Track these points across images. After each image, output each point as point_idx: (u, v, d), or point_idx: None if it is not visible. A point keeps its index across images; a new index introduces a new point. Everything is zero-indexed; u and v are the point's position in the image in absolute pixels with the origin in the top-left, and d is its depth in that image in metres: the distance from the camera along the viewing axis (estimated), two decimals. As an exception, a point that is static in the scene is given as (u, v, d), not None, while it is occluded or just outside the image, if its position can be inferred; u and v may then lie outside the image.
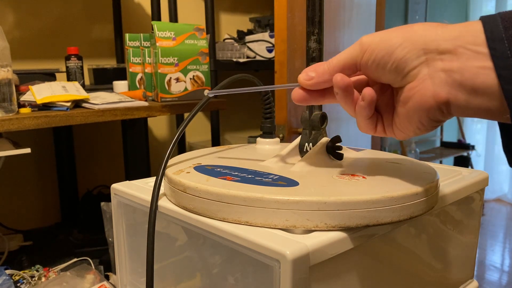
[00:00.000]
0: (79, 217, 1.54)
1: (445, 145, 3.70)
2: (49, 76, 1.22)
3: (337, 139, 0.52)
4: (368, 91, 0.38)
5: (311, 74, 0.40)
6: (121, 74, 1.40)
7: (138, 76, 1.28)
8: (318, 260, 0.36)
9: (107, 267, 1.05)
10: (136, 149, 1.28)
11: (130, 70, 1.28)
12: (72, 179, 1.57)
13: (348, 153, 0.55)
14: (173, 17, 1.61)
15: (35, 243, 1.31)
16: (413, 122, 0.37)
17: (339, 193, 0.39)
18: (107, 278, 0.98)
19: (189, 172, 0.47)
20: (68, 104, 1.02)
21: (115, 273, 0.97)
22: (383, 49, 0.36)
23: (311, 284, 0.36)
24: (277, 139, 0.64)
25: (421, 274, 0.52)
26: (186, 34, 1.19)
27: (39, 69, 1.27)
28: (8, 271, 0.94)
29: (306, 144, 0.53)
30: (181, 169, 0.49)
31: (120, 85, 1.28)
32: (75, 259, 1.06)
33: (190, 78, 1.20)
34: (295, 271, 0.34)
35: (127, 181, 0.58)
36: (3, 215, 1.47)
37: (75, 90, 1.07)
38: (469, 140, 3.83)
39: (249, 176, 0.45)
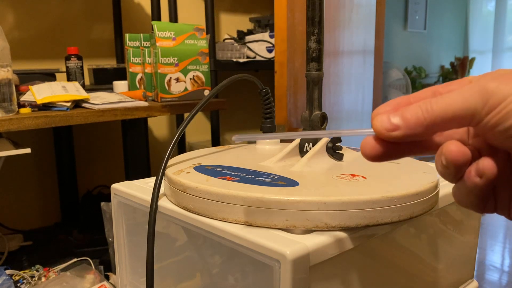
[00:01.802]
0: (79, 217, 1.54)
1: (445, 145, 3.69)
2: (49, 76, 1.22)
3: (337, 139, 0.52)
4: (489, 165, 0.27)
5: (395, 122, 0.27)
6: (121, 74, 1.40)
7: (138, 76, 1.28)
8: (318, 260, 0.36)
9: (107, 267, 1.05)
10: (136, 149, 1.28)
11: (130, 70, 1.28)
12: (72, 179, 1.56)
13: (348, 153, 0.55)
14: (173, 17, 1.61)
15: (35, 243, 1.31)
16: None
17: (339, 193, 0.39)
18: (107, 278, 0.97)
19: (189, 172, 0.47)
20: (68, 104, 1.02)
21: (115, 273, 0.97)
22: None
23: (311, 284, 0.36)
24: (277, 139, 0.64)
25: (421, 274, 0.52)
26: (186, 34, 1.19)
27: (39, 69, 1.27)
28: (8, 271, 0.94)
29: (306, 144, 0.53)
30: (181, 169, 0.49)
31: (120, 85, 1.28)
32: (75, 259, 1.06)
33: (190, 78, 1.20)
34: (295, 271, 0.34)
35: (127, 181, 0.58)
36: (3, 215, 1.46)
37: (75, 90, 1.07)
38: (469, 140, 3.82)
39: (249, 176, 0.45)
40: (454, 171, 0.27)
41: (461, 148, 0.27)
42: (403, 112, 0.27)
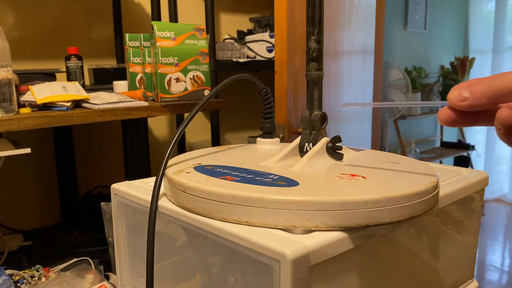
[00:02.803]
0: (79, 217, 1.54)
1: (445, 145, 3.70)
2: (49, 76, 1.22)
3: (337, 139, 0.52)
4: None
5: (465, 94, 0.35)
6: (121, 74, 1.40)
7: (138, 76, 1.28)
8: (318, 260, 0.36)
9: (107, 267, 1.05)
10: (136, 149, 1.28)
11: (130, 70, 1.28)
12: (72, 179, 1.56)
13: (348, 153, 0.55)
14: (173, 17, 1.61)
15: (35, 243, 1.31)
16: None
17: (339, 193, 0.39)
18: (107, 278, 0.97)
19: (189, 172, 0.47)
20: (68, 104, 1.02)
21: (115, 273, 0.97)
22: None
23: (311, 284, 0.36)
24: (277, 139, 0.64)
25: (421, 274, 0.52)
26: (186, 34, 1.19)
27: (39, 69, 1.27)
28: (8, 271, 0.94)
29: (306, 144, 0.53)
30: (181, 169, 0.49)
31: (120, 85, 1.28)
32: (75, 259, 1.06)
33: (190, 78, 1.20)
34: (295, 271, 0.34)
35: (127, 181, 0.58)
36: (3, 215, 1.47)
37: (75, 90, 1.07)
38: (469, 140, 3.83)
39: (249, 176, 0.45)
40: (505, 132, 0.33)
41: (510, 113, 0.32)
42: (471, 87, 0.34)
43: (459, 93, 0.35)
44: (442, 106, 0.38)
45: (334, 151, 0.52)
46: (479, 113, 0.36)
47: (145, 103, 1.13)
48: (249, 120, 2.15)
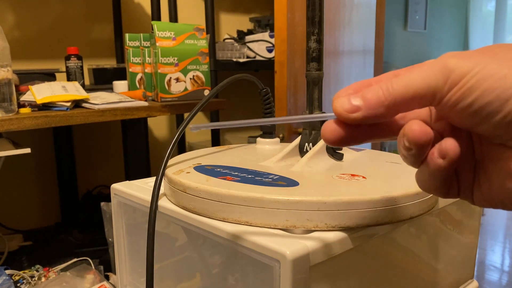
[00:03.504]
0: (79, 217, 1.54)
1: (445, 145, 3.69)
2: (49, 76, 1.22)
3: (337, 139, 0.52)
4: (452, 146, 0.26)
5: (355, 103, 0.27)
6: (121, 74, 1.40)
7: (138, 76, 1.28)
8: (318, 260, 0.36)
9: (107, 267, 1.05)
10: (136, 149, 1.28)
11: (130, 70, 1.28)
12: (72, 179, 1.56)
13: (348, 153, 0.55)
14: (173, 17, 1.61)
15: (35, 243, 1.31)
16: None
17: (339, 193, 0.39)
18: (107, 278, 0.97)
19: (189, 172, 0.47)
20: (68, 104, 1.02)
21: (115, 273, 0.97)
22: (493, 90, 0.24)
23: (311, 284, 0.36)
24: (277, 139, 0.64)
25: (421, 274, 0.52)
26: (186, 34, 1.19)
27: (39, 69, 1.27)
28: (8, 271, 0.94)
29: (306, 144, 0.53)
30: (181, 169, 0.49)
31: (120, 85, 1.28)
32: (75, 259, 1.06)
33: (190, 78, 1.20)
34: (295, 271, 0.34)
35: (127, 181, 0.58)
36: (3, 215, 1.46)
37: (75, 90, 1.07)
38: (469, 140, 3.82)
39: (249, 176, 0.45)
40: (416, 152, 0.26)
41: (424, 127, 0.26)
42: (363, 93, 0.27)
43: (348, 102, 0.27)
44: (324, 121, 0.28)
45: (334, 151, 0.52)
46: (373, 126, 0.28)
47: (145, 103, 1.13)
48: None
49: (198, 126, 0.30)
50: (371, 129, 0.28)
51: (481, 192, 0.28)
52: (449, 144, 0.25)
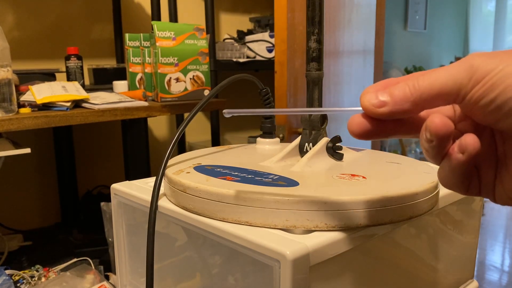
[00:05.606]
0: (79, 217, 1.54)
1: (445, 145, 3.69)
2: (49, 76, 1.22)
3: (337, 139, 0.52)
4: (472, 141, 0.26)
5: (383, 98, 0.28)
6: (121, 74, 1.40)
7: (138, 76, 1.28)
8: (318, 260, 0.36)
9: (107, 267, 1.05)
10: (136, 149, 1.28)
11: (130, 70, 1.28)
12: (72, 179, 1.56)
13: (348, 153, 0.55)
14: (173, 17, 1.61)
15: (35, 243, 1.31)
16: None
17: (339, 193, 0.39)
18: (107, 278, 0.97)
19: (189, 172, 0.47)
20: (68, 104, 1.02)
21: (115, 273, 0.97)
22: None
23: (311, 284, 0.36)
24: (277, 139, 0.64)
25: (421, 274, 0.52)
26: (186, 34, 1.19)
27: (39, 69, 1.27)
28: (8, 271, 0.94)
29: (306, 144, 0.53)
30: (181, 169, 0.49)
31: (120, 85, 1.28)
32: (75, 259, 1.06)
33: (190, 78, 1.20)
34: (295, 271, 0.34)
35: (127, 181, 0.58)
36: (3, 215, 1.46)
37: (75, 90, 1.07)
38: (469, 140, 3.82)
39: (249, 176, 0.45)
40: (437, 143, 0.27)
41: (444, 119, 0.26)
42: (391, 89, 0.28)
43: (375, 97, 0.28)
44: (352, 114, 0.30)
45: (334, 151, 0.52)
46: (398, 122, 0.29)
47: (145, 103, 1.13)
48: (249, 120, 2.15)
49: (232, 111, 0.33)
50: (396, 124, 0.29)
51: (504, 189, 0.29)
52: (469, 139, 0.26)
